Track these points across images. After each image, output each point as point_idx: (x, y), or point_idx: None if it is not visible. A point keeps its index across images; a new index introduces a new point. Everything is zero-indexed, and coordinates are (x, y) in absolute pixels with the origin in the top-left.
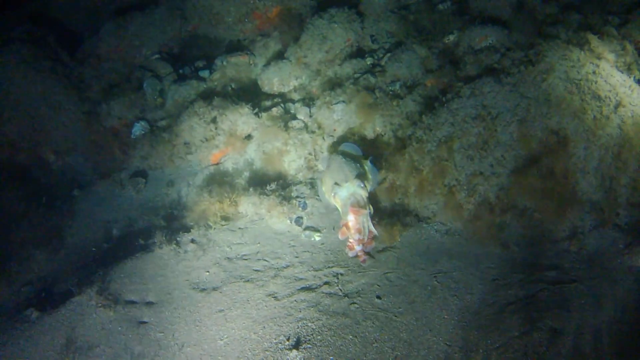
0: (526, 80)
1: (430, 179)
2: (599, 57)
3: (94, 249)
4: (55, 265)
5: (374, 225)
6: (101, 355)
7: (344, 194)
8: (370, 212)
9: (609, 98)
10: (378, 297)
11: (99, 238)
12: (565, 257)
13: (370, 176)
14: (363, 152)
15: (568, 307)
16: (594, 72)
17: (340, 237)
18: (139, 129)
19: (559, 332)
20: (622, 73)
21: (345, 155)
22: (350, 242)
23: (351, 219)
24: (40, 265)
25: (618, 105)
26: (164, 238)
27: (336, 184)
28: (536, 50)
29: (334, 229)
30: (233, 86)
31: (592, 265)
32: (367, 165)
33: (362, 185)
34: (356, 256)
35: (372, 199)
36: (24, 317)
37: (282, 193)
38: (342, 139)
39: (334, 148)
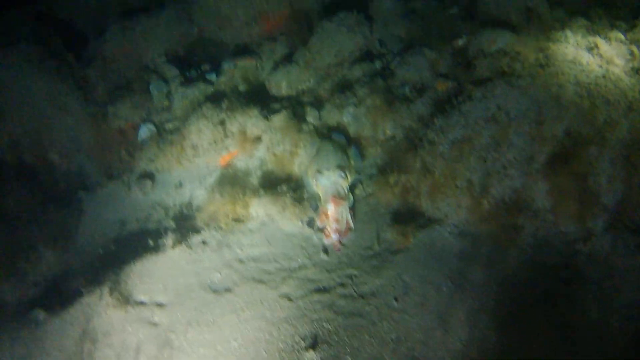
0: (536, 83)
1: (442, 181)
2: (607, 62)
3: (100, 250)
4: (63, 266)
5: (351, 216)
6: (110, 357)
7: (326, 182)
8: (350, 203)
9: (619, 102)
10: (395, 299)
11: (105, 239)
12: (578, 257)
13: (353, 164)
14: (348, 140)
15: (581, 306)
16: (603, 76)
17: (318, 224)
18: (145, 131)
19: (574, 330)
20: (631, 77)
21: (332, 143)
22: (327, 230)
23: (330, 208)
24: (50, 265)
25: (628, 109)
26: (174, 239)
27: (318, 171)
28: (545, 55)
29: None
30: (241, 89)
31: (603, 265)
32: (351, 151)
33: (344, 175)
34: (331, 244)
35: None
36: (31, 318)
37: (293, 195)
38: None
39: (323, 136)
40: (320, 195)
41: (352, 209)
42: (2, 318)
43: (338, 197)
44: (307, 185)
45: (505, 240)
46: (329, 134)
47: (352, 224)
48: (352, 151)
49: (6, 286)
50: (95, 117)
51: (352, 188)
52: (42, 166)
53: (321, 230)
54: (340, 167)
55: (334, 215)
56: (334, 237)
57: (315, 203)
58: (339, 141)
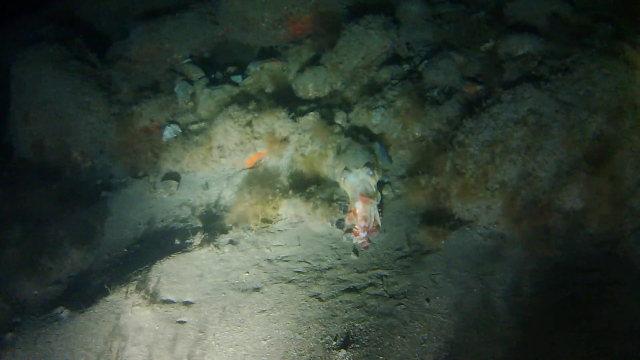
0: (564, 86)
1: (472, 182)
2: (633, 67)
3: (125, 249)
4: (88, 264)
5: (379, 213)
6: (138, 355)
7: (354, 180)
8: (377, 201)
9: None
10: (427, 299)
11: (130, 238)
12: (607, 259)
13: (380, 163)
14: (371, 138)
15: (612, 308)
16: (629, 81)
17: (347, 222)
18: (170, 131)
19: (606, 333)
20: None
21: (360, 142)
22: (355, 229)
23: (359, 207)
24: (75, 264)
25: None
26: (201, 239)
27: (346, 169)
28: (573, 59)
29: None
30: (267, 91)
31: (633, 267)
32: (378, 150)
33: (372, 173)
34: (360, 242)
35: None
36: (54, 315)
37: (322, 196)
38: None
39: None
40: (349, 193)
41: (380, 206)
42: (26, 315)
43: (366, 195)
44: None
45: (536, 242)
46: (356, 135)
47: (379, 222)
48: (378, 150)
49: (30, 284)
50: (120, 117)
51: (380, 187)
52: (65, 165)
53: (350, 230)
54: (368, 165)
55: (362, 213)
56: (363, 235)
57: (344, 204)
58: (365, 140)
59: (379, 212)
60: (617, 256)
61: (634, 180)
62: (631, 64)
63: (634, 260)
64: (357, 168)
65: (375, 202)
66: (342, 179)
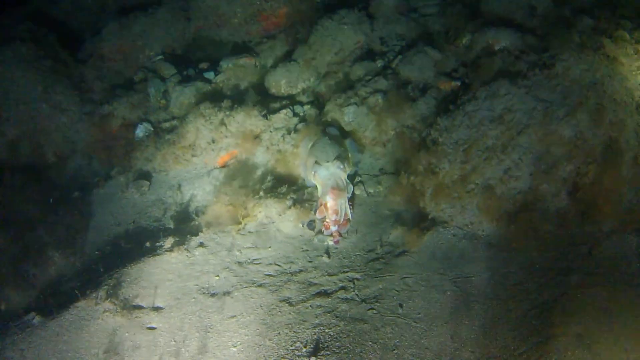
0: (542, 83)
1: (447, 182)
2: (613, 61)
3: (97, 252)
4: (72, 269)
5: (350, 207)
6: None
7: (324, 174)
8: (348, 195)
9: (625, 102)
10: (400, 304)
11: (101, 240)
12: (586, 261)
13: (350, 157)
14: (342, 135)
15: (591, 311)
16: (609, 76)
17: (317, 215)
18: (142, 130)
19: (584, 337)
20: (636, 76)
21: (329, 136)
22: (326, 222)
23: (330, 200)
24: (59, 269)
25: (635, 109)
26: (171, 241)
27: (317, 162)
28: (551, 54)
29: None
30: (239, 88)
31: (612, 269)
32: (347, 144)
33: (342, 166)
34: (330, 235)
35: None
36: (25, 321)
37: (294, 196)
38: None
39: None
40: (319, 187)
41: (351, 200)
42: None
43: (337, 188)
44: (305, 179)
45: (511, 243)
46: (324, 129)
47: (350, 216)
48: (348, 144)
49: (14, 291)
50: (92, 116)
51: (351, 180)
52: (44, 166)
53: (321, 231)
54: (338, 159)
55: (333, 207)
56: (333, 228)
57: (316, 205)
58: (334, 134)
59: (350, 205)
60: (597, 257)
61: (614, 177)
62: (611, 59)
63: (613, 262)
64: (327, 161)
65: (346, 196)
66: (313, 172)
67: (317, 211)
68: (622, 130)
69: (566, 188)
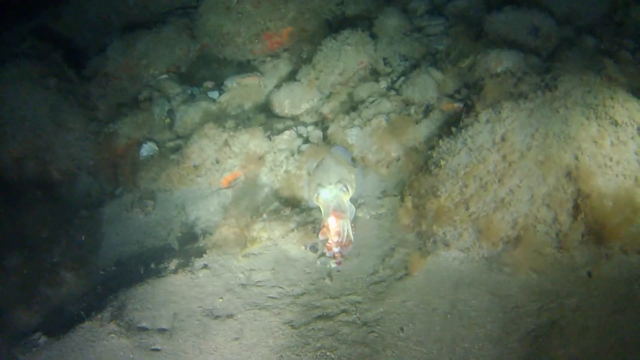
0: (544, 105)
1: (448, 205)
2: (615, 82)
3: (102, 271)
4: (83, 290)
5: (352, 228)
6: None
7: (327, 196)
8: (351, 217)
9: (626, 124)
10: (400, 329)
11: (106, 261)
12: (585, 283)
13: (354, 180)
14: (352, 158)
15: (588, 334)
16: (611, 98)
17: (320, 237)
18: (147, 149)
19: None
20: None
21: (334, 158)
22: (329, 243)
23: (332, 222)
24: (71, 289)
25: (636, 130)
26: (175, 263)
27: (319, 185)
28: (553, 75)
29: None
30: (243, 108)
31: (611, 292)
32: (354, 171)
33: (345, 189)
34: (333, 256)
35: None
36: (31, 341)
37: (297, 219)
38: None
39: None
40: (322, 209)
41: (353, 222)
42: (4, 341)
43: (339, 210)
44: (309, 200)
45: (511, 267)
46: (329, 149)
47: (352, 237)
48: (354, 171)
49: (28, 314)
50: (97, 135)
51: (354, 204)
52: (47, 185)
53: (324, 254)
54: (341, 181)
55: (336, 229)
56: (336, 250)
57: (318, 227)
58: (340, 156)
59: (352, 227)
60: (596, 279)
61: (611, 201)
62: (613, 80)
63: (612, 284)
64: (330, 184)
65: (348, 218)
66: (315, 195)
67: (320, 233)
68: (622, 151)
69: (566, 211)
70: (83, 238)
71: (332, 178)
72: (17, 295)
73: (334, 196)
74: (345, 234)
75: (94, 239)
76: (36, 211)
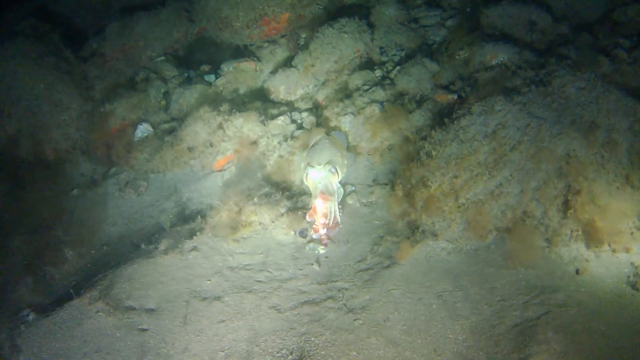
0: (537, 99)
1: (438, 196)
2: (609, 80)
3: (92, 251)
4: (81, 267)
5: (339, 210)
6: None
7: (315, 177)
8: (339, 199)
9: (620, 121)
10: (385, 319)
11: (97, 240)
12: (572, 279)
13: (345, 164)
14: (348, 143)
15: (573, 330)
16: (604, 95)
17: (307, 218)
18: (142, 130)
19: (564, 355)
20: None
21: (330, 139)
22: (315, 225)
23: (319, 203)
24: (73, 266)
25: (628, 128)
26: (165, 244)
27: (309, 164)
28: (547, 71)
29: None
30: (239, 92)
31: (597, 289)
32: (346, 155)
33: (334, 170)
34: (319, 238)
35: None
36: (20, 317)
37: (287, 203)
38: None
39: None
40: (310, 188)
41: (341, 204)
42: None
43: (327, 192)
44: (300, 180)
45: (498, 259)
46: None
47: (339, 219)
48: (346, 154)
49: (33, 294)
50: (93, 115)
51: (344, 188)
52: (41, 163)
53: (312, 240)
54: (331, 162)
55: (323, 210)
56: (322, 231)
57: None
58: (336, 139)
59: (340, 209)
60: (583, 276)
61: (602, 197)
62: (607, 78)
63: (599, 281)
64: (319, 164)
65: (335, 200)
66: (305, 174)
67: (307, 214)
68: (614, 149)
69: (557, 206)
70: (85, 216)
71: (322, 159)
72: (21, 275)
73: (322, 177)
74: (332, 215)
75: (91, 217)
76: (37, 190)
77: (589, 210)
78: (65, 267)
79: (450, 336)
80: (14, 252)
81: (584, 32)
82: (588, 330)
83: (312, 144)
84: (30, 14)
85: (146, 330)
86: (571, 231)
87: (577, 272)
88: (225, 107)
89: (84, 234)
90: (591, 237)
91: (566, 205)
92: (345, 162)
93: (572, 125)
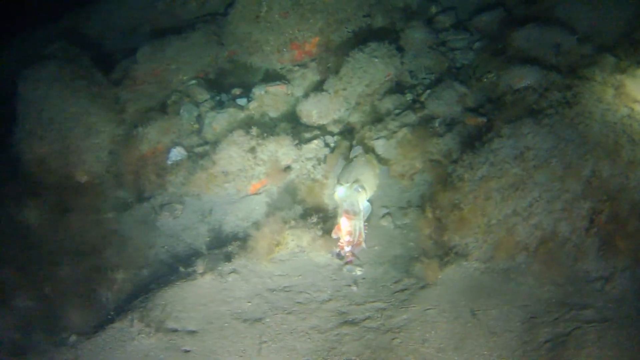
0: (563, 122)
1: (469, 217)
2: (633, 100)
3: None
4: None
5: (364, 227)
6: None
7: (342, 194)
8: (365, 217)
9: None
10: (424, 338)
11: (135, 263)
12: (598, 296)
13: (377, 182)
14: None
15: (602, 345)
16: (629, 116)
17: (332, 235)
18: (175, 154)
19: None
20: None
21: (366, 158)
22: (340, 243)
23: (344, 222)
24: (122, 287)
25: None
26: (204, 266)
27: (338, 182)
28: (573, 92)
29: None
30: (271, 115)
31: (623, 305)
32: (378, 172)
33: (360, 189)
34: (345, 256)
35: None
36: (62, 339)
37: (323, 226)
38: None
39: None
40: (338, 206)
41: (367, 221)
42: (38, 339)
43: (351, 211)
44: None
45: (528, 277)
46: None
47: (364, 237)
48: (378, 172)
49: (88, 317)
50: (125, 139)
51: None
52: (71, 187)
53: (349, 263)
54: (357, 181)
55: (347, 229)
56: (347, 249)
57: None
58: (369, 156)
59: (365, 226)
60: (609, 293)
61: (629, 215)
62: (631, 99)
63: (625, 298)
64: (347, 183)
65: (360, 218)
66: (334, 192)
67: (333, 231)
68: (638, 169)
69: (583, 225)
70: (138, 239)
71: (350, 177)
72: (73, 300)
73: (347, 196)
74: (357, 233)
75: (134, 240)
76: (80, 214)
77: (614, 229)
78: (115, 287)
79: (485, 352)
80: (65, 278)
81: (607, 53)
82: (618, 346)
83: (348, 161)
84: (58, 36)
85: (189, 351)
86: (598, 249)
87: (603, 288)
88: (257, 131)
89: (133, 256)
90: (617, 254)
91: (592, 224)
92: (377, 181)
93: (597, 146)
